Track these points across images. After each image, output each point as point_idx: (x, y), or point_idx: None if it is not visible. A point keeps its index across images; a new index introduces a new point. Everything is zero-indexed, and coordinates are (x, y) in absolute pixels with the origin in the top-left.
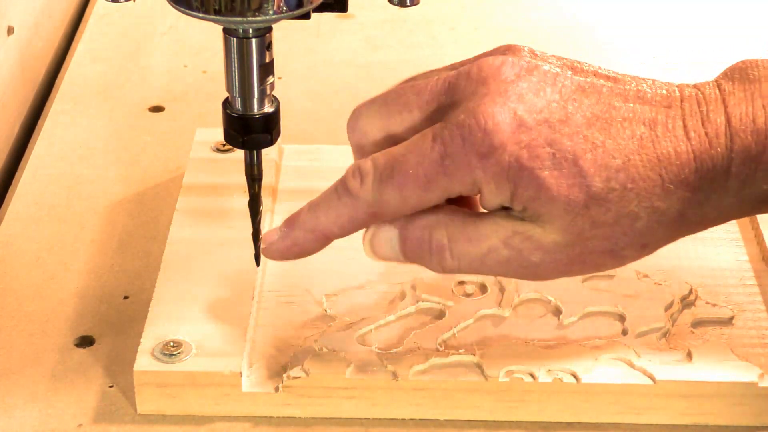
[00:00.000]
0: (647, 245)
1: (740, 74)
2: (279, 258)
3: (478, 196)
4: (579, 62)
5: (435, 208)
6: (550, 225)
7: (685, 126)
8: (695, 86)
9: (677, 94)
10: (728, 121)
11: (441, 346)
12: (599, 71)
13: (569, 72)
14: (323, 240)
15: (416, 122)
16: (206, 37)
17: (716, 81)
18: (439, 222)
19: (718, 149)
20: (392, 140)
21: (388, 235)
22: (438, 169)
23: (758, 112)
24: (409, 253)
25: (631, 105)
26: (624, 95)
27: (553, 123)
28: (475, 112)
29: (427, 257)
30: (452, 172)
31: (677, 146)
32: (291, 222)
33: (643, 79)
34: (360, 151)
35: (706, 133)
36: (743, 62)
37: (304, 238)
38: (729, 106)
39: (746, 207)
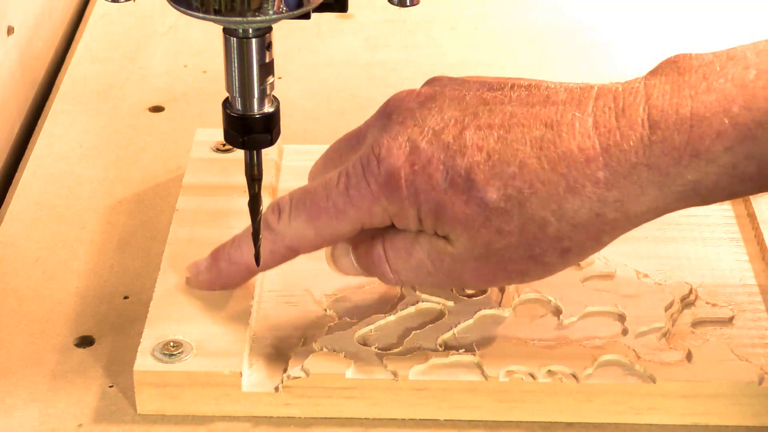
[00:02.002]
0: (569, 250)
1: (671, 67)
2: (206, 288)
3: None
4: (501, 79)
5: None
6: (458, 241)
7: (595, 122)
8: (622, 83)
9: (593, 92)
10: (648, 113)
11: (441, 346)
12: (520, 83)
13: (480, 90)
14: (246, 273)
15: (343, 165)
16: (206, 37)
17: (645, 76)
18: (377, 237)
19: (631, 142)
20: None
21: (344, 250)
22: (345, 200)
23: (683, 102)
24: (362, 266)
25: (535, 109)
26: (529, 102)
27: (447, 141)
28: (372, 144)
29: (374, 270)
30: (358, 203)
31: (582, 143)
32: (216, 254)
33: (566, 84)
34: None
35: (618, 127)
36: (676, 56)
37: (228, 271)
38: (652, 98)
39: (676, 201)
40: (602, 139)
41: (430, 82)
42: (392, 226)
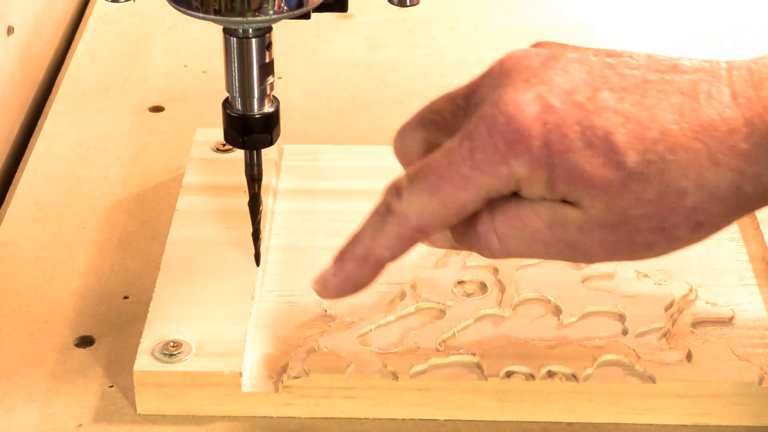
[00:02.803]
0: (702, 224)
1: None
2: (336, 296)
3: None
4: (611, 49)
5: None
6: (591, 207)
7: (733, 92)
8: (748, 60)
9: (723, 65)
10: None
11: (441, 346)
12: (633, 52)
13: (599, 55)
14: (376, 267)
15: (451, 128)
16: (206, 37)
17: None
18: (486, 206)
19: None
20: (433, 150)
21: None
22: (470, 165)
23: None
24: (460, 239)
25: (668, 76)
26: (658, 69)
27: (580, 102)
28: (497, 101)
29: (476, 243)
30: (484, 166)
31: (722, 112)
32: (339, 257)
33: (684, 57)
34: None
35: (759, 98)
36: None
37: (357, 269)
38: None
39: None
40: (743, 110)
41: (540, 45)
42: (502, 196)
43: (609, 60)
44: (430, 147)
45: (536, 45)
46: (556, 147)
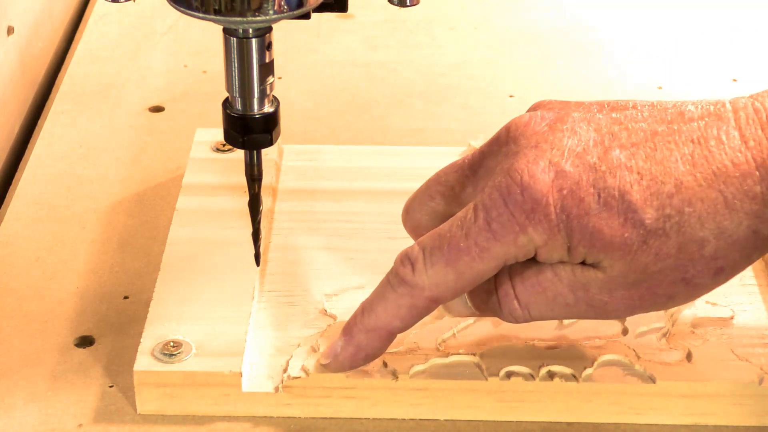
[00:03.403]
0: (722, 270)
1: None
2: (347, 369)
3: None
4: (614, 101)
5: None
6: (612, 268)
7: (742, 135)
8: (750, 96)
9: (728, 107)
10: None
11: (441, 346)
12: (637, 102)
13: (604, 110)
14: (387, 337)
15: (460, 198)
16: (206, 37)
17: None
18: (501, 274)
19: None
20: (442, 220)
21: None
22: (487, 236)
23: None
24: (480, 306)
25: (675, 126)
26: (665, 119)
27: (592, 163)
28: (509, 170)
29: (498, 310)
30: (502, 236)
31: (734, 157)
32: (348, 329)
33: (687, 101)
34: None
35: None
36: None
37: (368, 341)
38: None
39: None
40: (754, 153)
41: (541, 106)
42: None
43: (615, 115)
44: (439, 217)
45: (537, 106)
46: (574, 212)
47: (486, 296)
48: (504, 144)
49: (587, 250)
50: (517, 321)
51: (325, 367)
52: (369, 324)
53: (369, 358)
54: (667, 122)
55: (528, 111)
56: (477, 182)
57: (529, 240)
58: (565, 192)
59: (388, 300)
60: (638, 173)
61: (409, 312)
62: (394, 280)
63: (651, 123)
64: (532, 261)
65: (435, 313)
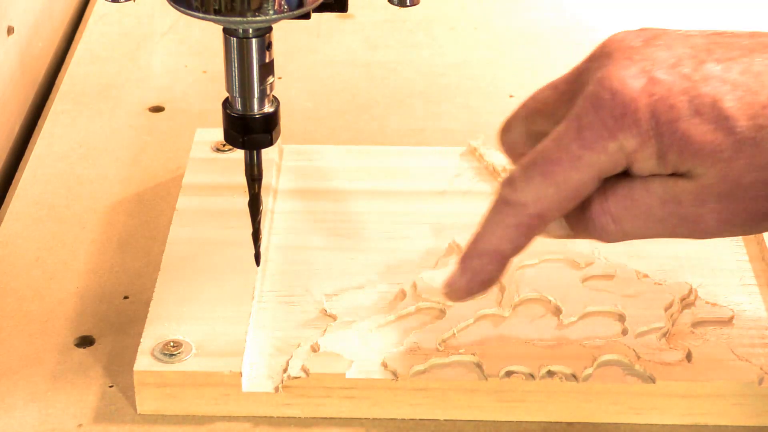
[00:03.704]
0: None
1: None
2: (465, 296)
3: None
4: (712, 30)
5: None
6: (704, 176)
7: None
8: None
9: None
10: None
11: (441, 346)
12: (736, 31)
13: (701, 33)
14: (500, 260)
15: (556, 116)
16: (206, 37)
17: None
18: (596, 190)
19: None
20: (540, 142)
21: None
22: (579, 144)
23: None
24: (575, 224)
25: None
26: (762, 42)
27: (685, 73)
28: (600, 78)
29: (592, 228)
30: (593, 144)
31: None
32: (463, 257)
33: None
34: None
35: None
36: None
37: (481, 265)
38: None
39: None
40: None
41: (642, 30)
42: (612, 177)
43: (712, 37)
44: (536, 137)
45: (641, 30)
46: (664, 117)
47: (580, 214)
48: (598, 58)
49: (678, 156)
50: (610, 238)
51: (445, 296)
52: (481, 248)
53: (485, 283)
54: (764, 44)
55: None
56: (572, 98)
57: (619, 146)
58: (655, 98)
59: (496, 222)
60: (732, 84)
61: (516, 231)
62: (499, 202)
63: (748, 41)
64: (625, 176)
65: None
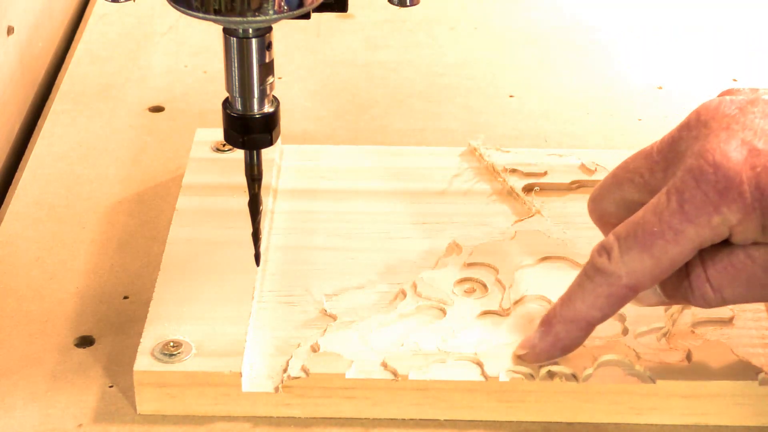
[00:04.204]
0: None
1: None
2: (545, 359)
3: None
4: None
5: None
6: None
7: None
8: None
9: None
10: None
11: (441, 346)
12: None
13: None
14: (586, 328)
15: (650, 185)
16: (206, 37)
17: None
18: (694, 258)
19: None
20: (632, 211)
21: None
22: (681, 218)
23: None
24: (670, 293)
25: None
26: None
27: None
28: (701, 152)
29: (690, 296)
30: (696, 218)
31: None
32: (547, 320)
33: None
34: (607, 232)
35: None
36: None
37: (566, 331)
38: None
39: None
40: None
41: (730, 92)
42: (711, 246)
43: None
44: (628, 206)
45: (726, 92)
46: None
47: (677, 282)
48: (694, 128)
49: None
50: (710, 305)
51: (521, 358)
52: (568, 315)
53: (567, 349)
54: None
55: (717, 96)
56: (667, 168)
57: (723, 220)
58: (758, 170)
59: (586, 290)
60: None
61: (607, 301)
62: (591, 270)
63: None
64: (724, 243)
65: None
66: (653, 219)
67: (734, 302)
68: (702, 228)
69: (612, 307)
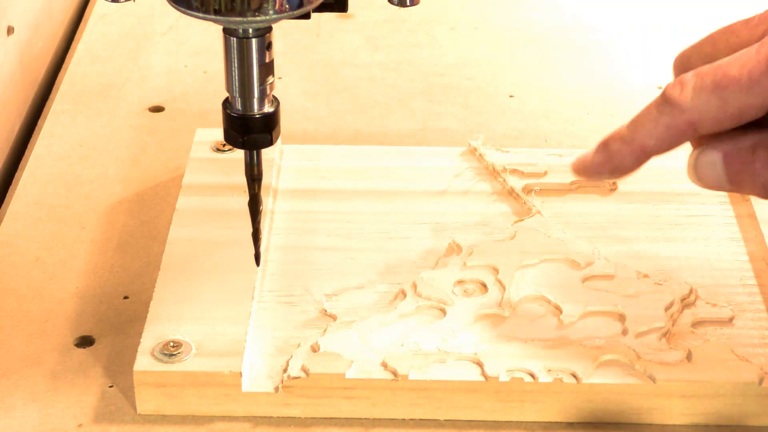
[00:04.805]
0: None
1: None
2: (592, 174)
3: None
4: None
5: (758, 130)
6: None
7: None
8: None
9: None
10: None
11: (441, 346)
12: None
13: None
14: (639, 154)
15: (745, 47)
16: (206, 37)
17: None
18: (763, 142)
19: None
20: None
21: (712, 158)
22: (763, 69)
23: None
24: (733, 177)
25: None
26: None
27: None
28: None
29: (751, 181)
30: None
31: None
32: (607, 140)
33: None
34: None
35: None
36: None
37: (620, 151)
38: None
39: None
40: None
41: None
42: None
43: None
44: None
45: None
46: None
47: (743, 164)
48: None
49: None
50: (764, 196)
51: (572, 167)
52: (626, 135)
53: (616, 171)
54: None
55: None
56: (765, 34)
57: None
58: None
59: (650, 117)
60: None
61: (666, 131)
62: (660, 99)
63: None
64: None
65: (439, 314)
66: (736, 64)
67: None
68: None
69: (669, 140)
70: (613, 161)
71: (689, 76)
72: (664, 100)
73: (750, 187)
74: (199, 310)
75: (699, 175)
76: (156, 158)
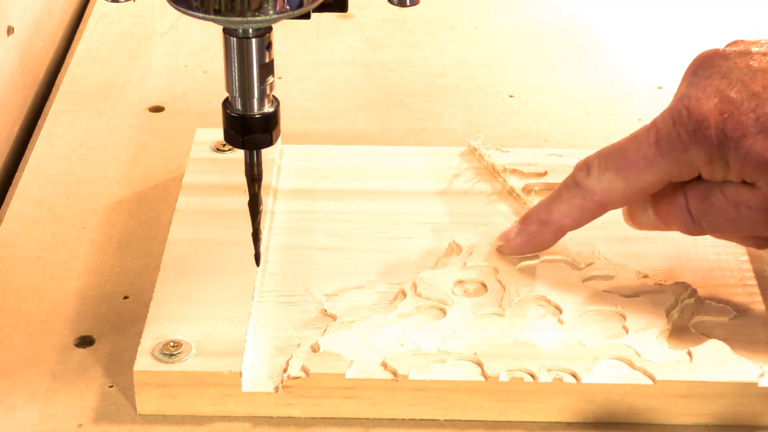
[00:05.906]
0: None
1: None
2: (517, 253)
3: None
4: None
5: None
6: (766, 187)
7: None
8: None
9: None
10: None
11: (441, 346)
12: None
13: None
14: (557, 232)
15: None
16: (206, 37)
17: None
18: (679, 190)
19: None
20: None
21: (643, 205)
22: (654, 151)
23: None
24: (662, 219)
25: None
26: None
27: (755, 91)
28: (681, 96)
29: (675, 221)
30: (667, 153)
31: None
32: (525, 219)
33: None
34: None
35: None
36: None
37: (539, 232)
38: None
39: None
40: None
41: (733, 44)
42: (695, 178)
43: None
44: None
45: (732, 43)
46: (732, 134)
47: (667, 209)
48: (687, 76)
49: (743, 169)
50: (691, 233)
51: (498, 249)
52: (543, 217)
53: (537, 247)
54: None
55: (726, 46)
56: None
57: (690, 159)
58: (725, 116)
59: (563, 199)
60: None
61: (579, 212)
62: (570, 182)
63: None
64: (704, 180)
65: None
66: (632, 147)
67: (712, 233)
68: (671, 163)
69: (582, 219)
70: (534, 241)
71: (593, 159)
72: (576, 184)
73: (677, 224)
74: (199, 310)
75: (633, 219)
76: (156, 158)
